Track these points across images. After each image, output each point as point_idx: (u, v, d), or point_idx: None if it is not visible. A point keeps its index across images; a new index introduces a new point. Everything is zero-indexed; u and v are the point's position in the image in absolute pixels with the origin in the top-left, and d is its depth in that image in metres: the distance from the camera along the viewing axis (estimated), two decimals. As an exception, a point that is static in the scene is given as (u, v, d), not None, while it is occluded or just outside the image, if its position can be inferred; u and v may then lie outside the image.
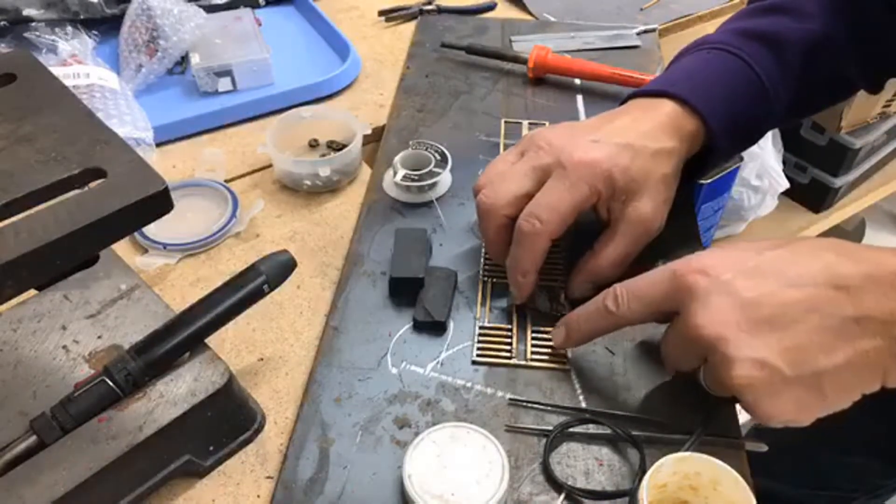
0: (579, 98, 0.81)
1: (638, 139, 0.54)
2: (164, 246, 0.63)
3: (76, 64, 0.74)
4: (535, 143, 0.55)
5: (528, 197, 0.53)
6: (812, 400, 0.41)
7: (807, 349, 0.40)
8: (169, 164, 0.74)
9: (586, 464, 0.48)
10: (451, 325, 0.56)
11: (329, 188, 0.71)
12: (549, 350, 0.54)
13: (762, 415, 0.42)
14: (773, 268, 0.43)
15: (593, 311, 0.49)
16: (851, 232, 1.83)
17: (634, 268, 0.61)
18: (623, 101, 0.61)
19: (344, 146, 0.72)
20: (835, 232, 1.63)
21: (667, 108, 0.56)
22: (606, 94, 0.81)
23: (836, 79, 0.63)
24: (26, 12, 0.82)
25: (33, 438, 0.42)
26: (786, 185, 1.42)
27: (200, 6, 0.86)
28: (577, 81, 0.83)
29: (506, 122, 0.76)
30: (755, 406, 0.42)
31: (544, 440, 0.49)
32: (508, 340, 0.55)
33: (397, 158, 0.68)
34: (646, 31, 0.92)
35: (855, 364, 0.40)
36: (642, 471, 0.46)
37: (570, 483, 0.46)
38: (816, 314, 0.41)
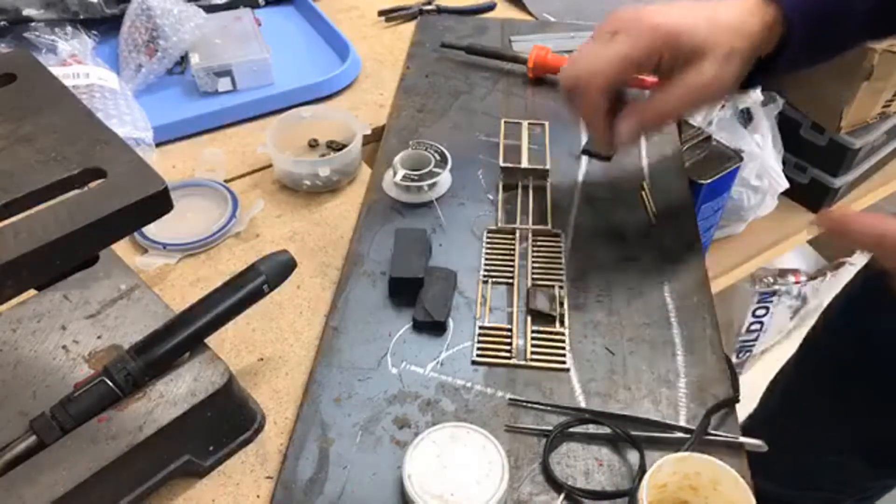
0: (579, 98, 0.81)
1: (717, 14, 0.53)
2: (164, 246, 0.63)
3: (76, 64, 0.74)
4: (612, 17, 0.55)
5: None
6: None
7: None
8: (169, 164, 0.74)
9: (586, 464, 0.48)
10: (451, 325, 0.56)
11: (329, 188, 0.71)
12: (549, 350, 0.54)
13: None
14: None
15: (866, 235, 0.47)
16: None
17: (632, 272, 0.61)
18: None
19: (344, 146, 0.72)
20: (835, 232, 1.62)
21: (749, 1, 0.54)
22: (606, 94, 0.81)
23: None
24: (26, 12, 0.82)
25: (33, 438, 0.42)
26: (785, 185, 1.42)
27: (200, 6, 0.86)
28: (577, 81, 0.83)
29: (505, 122, 0.76)
30: None
31: (544, 440, 0.49)
32: (508, 340, 0.55)
33: (397, 158, 0.68)
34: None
35: None
36: (642, 471, 0.46)
37: (569, 483, 0.46)
38: None
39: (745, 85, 0.57)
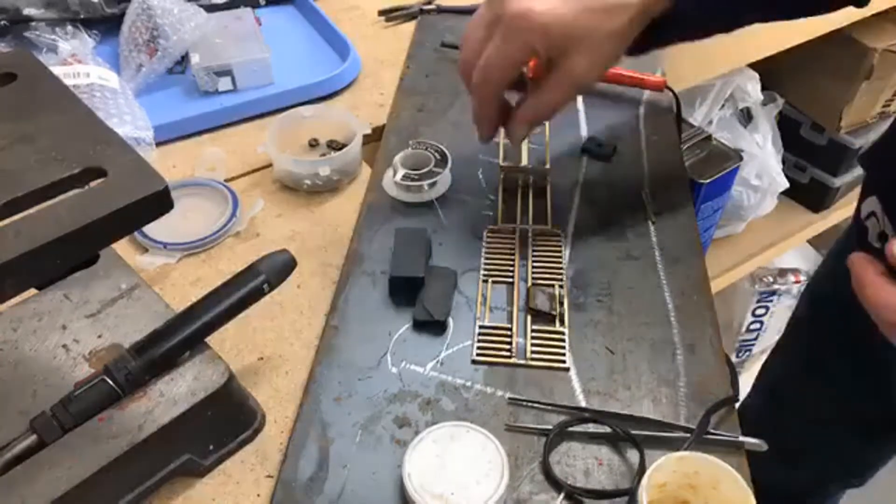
0: (579, 98, 0.81)
1: None
2: (165, 245, 0.63)
3: (76, 63, 0.74)
4: None
5: None
6: None
7: None
8: (169, 164, 0.74)
9: (586, 463, 0.48)
10: (451, 324, 0.56)
11: (329, 188, 0.71)
12: (549, 349, 0.54)
13: None
14: None
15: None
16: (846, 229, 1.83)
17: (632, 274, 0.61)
18: None
19: (344, 146, 0.72)
20: (835, 232, 1.62)
21: None
22: (606, 94, 0.81)
23: None
24: (26, 12, 0.82)
25: (33, 438, 0.42)
26: (785, 184, 1.42)
27: (200, 6, 0.86)
28: (577, 81, 0.83)
29: (506, 121, 0.75)
30: None
31: (544, 439, 0.49)
32: (508, 340, 0.55)
33: (397, 158, 0.68)
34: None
35: None
36: (642, 470, 0.46)
37: (569, 482, 0.46)
38: None
39: (639, 49, 0.56)
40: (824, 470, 0.97)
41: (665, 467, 0.43)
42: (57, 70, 0.71)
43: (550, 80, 0.55)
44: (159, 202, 0.39)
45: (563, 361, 0.54)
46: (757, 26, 0.62)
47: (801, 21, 0.61)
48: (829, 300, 0.86)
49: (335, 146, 0.75)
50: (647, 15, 0.53)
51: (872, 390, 0.82)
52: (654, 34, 0.55)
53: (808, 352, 0.90)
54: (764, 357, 1.75)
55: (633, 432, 0.49)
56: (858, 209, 0.70)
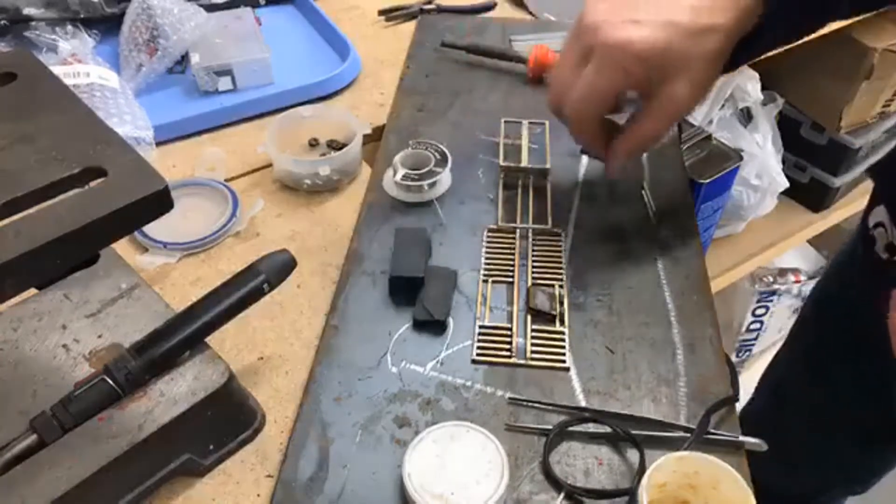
0: (579, 98, 0.81)
1: (685, 14, 0.51)
2: (165, 245, 0.63)
3: (76, 63, 0.74)
4: (581, 24, 0.54)
5: None
6: None
7: None
8: (169, 164, 0.74)
9: (586, 463, 0.48)
10: (451, 324, 0.56)
11: (329, 188, 0.71)
12: (549, 349, 0.54)
13: None
14: None
15: None
16: (852, 232, 1.83)
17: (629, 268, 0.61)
18: None
19: (344, 146, 0.72)
20: (835, 232, 1.63)
21: None
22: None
23: None
24: (26, 11, 0.82)
25: (33, 437, 0.42)
26: (785, 184, 1.42)
27: (201, 5, 0.86)
28: (577, 81, 0.83)
29: (506, 121, 0.76)
30: None
31: (544, 439, 0.49)
32: (508, 339, 0.55)
33: (397, 158, 0.68)
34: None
35: None
36: (642, 470, 0.46)
37: (569, 482, 0.46)
38: None
39: (728, 68, 0.56)
40: (827, 476, 0.97)
41: (665, 467, 0.43)
42: (57, 70, 0.71)
43: (651, 109, 0.54)
44: (159, 202, 0.39)
45: (563, 361, 0.54)
46: None
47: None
48: (833, 306, 0.86)
49: (335, 146, 0.75)
50: (739, 32, 0.53)
51: (875, 397, 0.82)
52: (744, 48, 0.54)
53: (812, 357, 0.90)
54: (764, 357, 1.75)
55: (633, 432, 0.49)
56: (865, 218, 0.70)
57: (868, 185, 1.64)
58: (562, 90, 0.55)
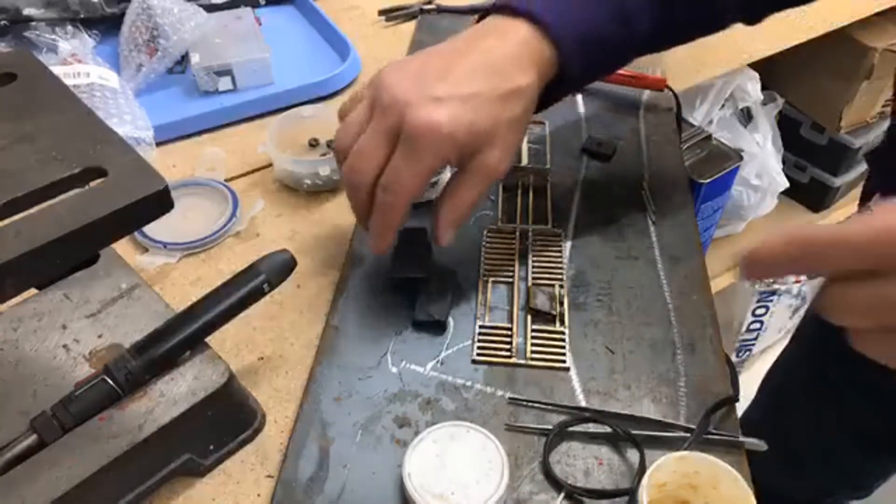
0: (579, 98, 0.81)
1: (487, 81, 0.51)
2: (165, 245, 0.63)
3: (76, 63, 0.74)
4: (381, 98, 0.52)
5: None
6: None
7: None
8: (169, 164, 0.74)
9: (586, 463, 0.48)
10: (451, 324, 0.56)
11: (329, 188, 0.71)
12: (549, 349, 0.55)
13: None
14: None
15: (782, 254, 0.41)
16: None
17: (631, 267, 0.61)
18: (483, 16, 0.57)
19: (344, 146, 0.72)
20: (834, 231, 1.62)
21: (522, 32, 0.52)
22: (606, 94, 0.81)
23: (707, 3, 0.58)
24: (26, 11, 0.82)
25: (34, 437, 0.42)
26: (785, 184, 1.42)
27: (200, 5, 0.86)
28: (577, 81, 0.83)
29: (506, 121, 0.75)
30: None
31: (544, 439, 0.49)
32: (508, 339, 0.55)
33: (397, 158, 0.68)
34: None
35: None
36: (642, 470, 0.46)
37: (569, 482, 0.46)
38: None
39: (536, 110, 0.56)
40: (830, 481, 0.97)
41: (665, 467, 0.43)
42: (57, 70, 0.71)
43: (465, 179, 0.53)
44: (159, 202, 0.39)
45: (563, 361, 0.54)
46: (757, 26, 0.62)
47: (801, 20, 0.61)
48: None
49: (335, 146, 0.75)
50: (542, 84, 0.53)
51: (879, 402, 0.81)
52: (549, 93, 0.55)
53: (814, 360, 0.90)
54: (764, 357, 1.76)
55: (633, 432, 0.49)
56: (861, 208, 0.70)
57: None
58: (367, 176, 0.52)
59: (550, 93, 0.56)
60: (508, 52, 0.52)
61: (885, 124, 1.47)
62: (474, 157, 0.52)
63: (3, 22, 0.81)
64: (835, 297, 0.41)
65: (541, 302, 0.57)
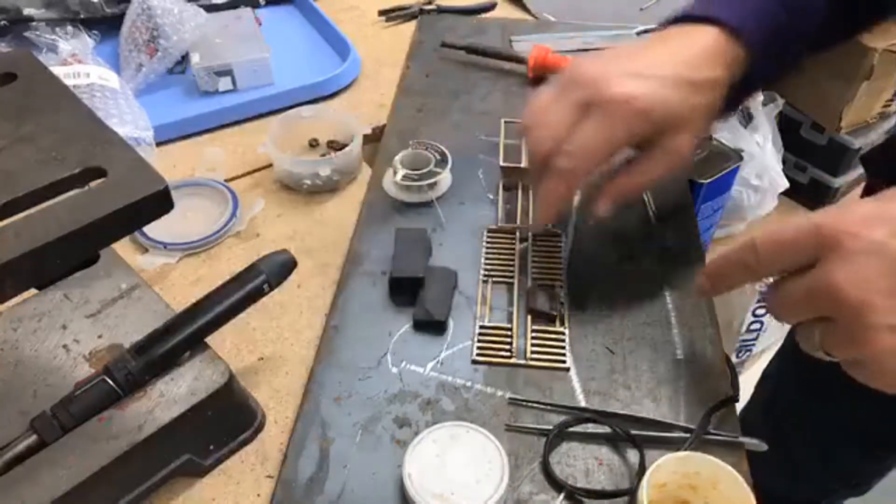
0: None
1: (681, 70, 0.51)
2: (165, 245, 0.63)
3: (76, 63, 0.74)
4: (574, 77, 0.52)
5: None
6: None
7: None
8: (169, 164, 0.74)
9: (586, 463, 0.48)
10: (451, 324, 0.56)
11: (329, 188, 0.71)
12: (549, 349, 0.54)
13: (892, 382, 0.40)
14: None
15: (733, 262, 0.47)
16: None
17: (629, 268, 0.61)
18: (663, 25, 0.57)
19: (344, 146, 0.72)
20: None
21: (709, 36, 0.52)
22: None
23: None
24: (26, 12, 0.82)
25: (34, 437, 0.42)
26: (785, 184, 1.42)
27: (201, 6, 0.86)
28: (577, 81, 0.83)
29: (506, 122, 0.76)
30: (884, 374, 0.40)
31: (544, 439, 0.49)
32: (508, 340, 0.55)
33: (397, 158, 0.68)
34: (646, 31, 0.92)
35: None
36: (642, 470, 0.46)
37: (569, 482, 0.46)
38: None
39: (718, 117, 0.56)
40: (828, 480, 0.97)
41: (665, 467, 0.43)
42: (57, 70, 0.71)
43: (651, 157, 0.53)
44: (159, 202, 0.39)
45: (563, 361, 0.54)
46: None
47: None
48: None
49: (335, 146, 0.75)
50: (730, 83, 0.53)
51: (872, 400, 0.81)
52: (733, 96, 0.55)
53: (808, 361, 0.90)
54: (764, 357, 1.75)
55: (633, 432, 0.49)
56: None
57: (868, 186, 1.64)
58: (550, 142, 0.52)
59: (739, 94, 0.56)
60: (697, 50, 0.52)
61: (885, 124, 1.47)
62: (663, 138, 0.52)
63: (3, 22, 0.81)
64: (775, 296, 0.44)
65: (541, 302, 0.57)
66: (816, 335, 0.43)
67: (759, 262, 0.44)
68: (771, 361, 0.99)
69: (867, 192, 0.72)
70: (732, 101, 0.57)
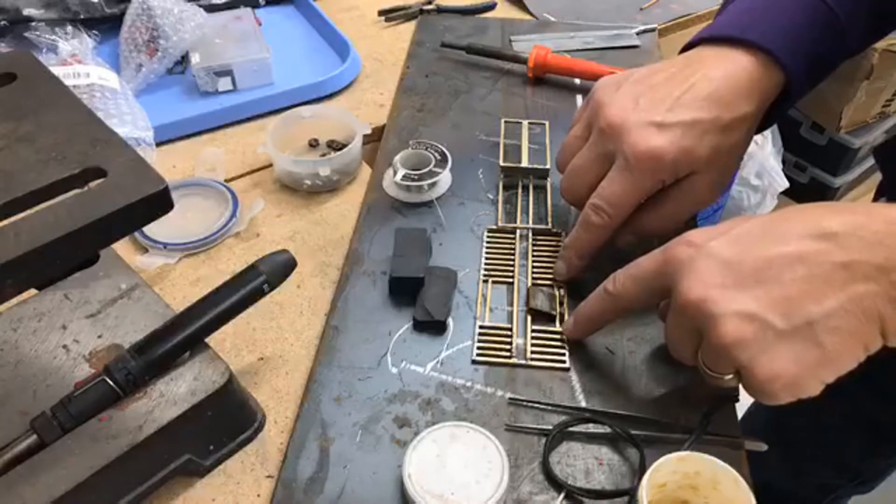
0: (579, 98, 0.81)
1: (710, 110, 0.50)
2: (165, 245, 0.63)
3: (76, 63, 0.74)
4: (597, 120, 0.53)
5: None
6: (810, 353, 0.40)
7: (795, 299, 0.39)
8: (169, 164, 0.74)
9: (586, 463, 0.48)
10: (451, 324, 0.56)
11: (329, 188, 0.71)
12: (549, 349, 0.54)
13: (762, 376, 0.40)
14: (757, 230, 0.42)
15: (595, 297, 0.51)
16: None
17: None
18: (690, 45, 0.56)
19: (344, 146, 0.72)
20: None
21: (743, 61, 0.51)
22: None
23: None
24: (26, 12, 0.82)
25: (33, 438, 0.42)
26: (785, 184, 1.42)
27: (200, 6, 0.86)
28: (577, 81, 0.83)
29: (506, 122, 0.76)
30: (753, 367, 0.40)
31: (544, 439, 0.49)
32: (508, 340, 0.55)
33: (397, 158, 0.68)
34: (645, 31, 0.92)
35: (848, 310, 0.39)
36: (642, 470, 0.46)
37: (569, 482, 0.46)
38: (802, 265, 0.40)
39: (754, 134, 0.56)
40: (832, 477, 0.97)
41: (665, 467, 0.43)
42: (57, 70, 0.71)
43: (674, 198, 0.53)
44: (159, 202, 0.39)
45: (563, 361, 0.54)
46: None
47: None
48: None
49: (335, 146, 0.75)
50: (763, 109, 0.53)
51: (878, 395, 0.81)
52: (770, 114, 0.55)
53: None
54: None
55: (633, 432, 0.49)
56: None
57: (869, 185, 1.64)
58: (583, 190, 0.54)
59: (777, 113, 0.55)
60: (731, 81, 0.51)
61: (885, 124, 1.47)
62: (688, 179, 0.52)
63: (3, 22, 0.81)
64: (665, 336, 0.48)
65: (541, 302, 0.57)
66: (699, 359, 0.45)
67: (617, 291, 0.49)
68: None
69: (880, 190, 0.72)
70: (770, 121, 0.56)
